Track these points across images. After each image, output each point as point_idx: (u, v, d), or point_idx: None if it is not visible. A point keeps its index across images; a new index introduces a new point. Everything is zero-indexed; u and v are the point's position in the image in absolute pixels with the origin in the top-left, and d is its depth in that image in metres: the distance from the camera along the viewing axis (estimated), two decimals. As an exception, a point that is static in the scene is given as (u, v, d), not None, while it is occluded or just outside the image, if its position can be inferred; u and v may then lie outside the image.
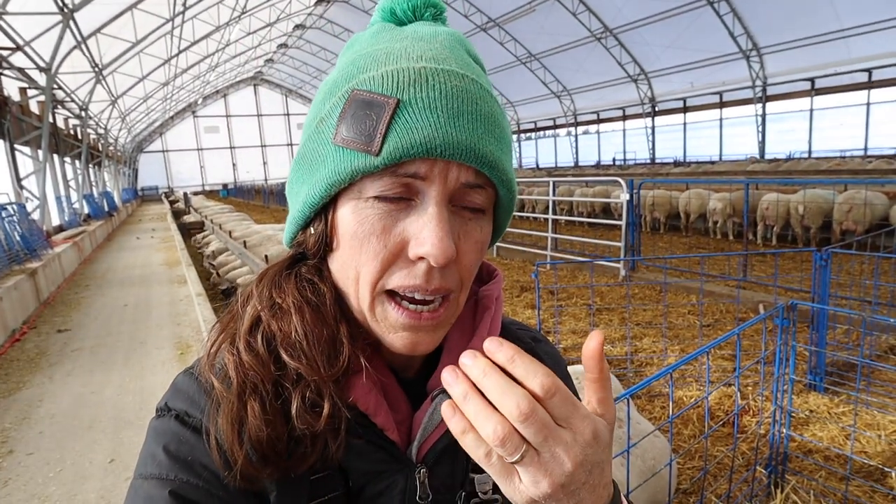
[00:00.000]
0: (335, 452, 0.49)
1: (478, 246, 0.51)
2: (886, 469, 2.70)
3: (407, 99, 0.45)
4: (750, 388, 3.79)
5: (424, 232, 0.46)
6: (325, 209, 0.52)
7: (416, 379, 0.59)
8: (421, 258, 0.47)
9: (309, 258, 0.56)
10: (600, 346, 0.43)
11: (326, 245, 0.53)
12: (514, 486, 0.41)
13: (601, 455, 0.42)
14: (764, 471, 2.70)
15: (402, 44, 0.51)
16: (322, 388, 0.49)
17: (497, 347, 0.42)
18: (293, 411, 0.48)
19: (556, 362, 0.69)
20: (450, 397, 0.53)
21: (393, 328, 0.50)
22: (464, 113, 0.46)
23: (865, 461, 2.79)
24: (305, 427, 0.48)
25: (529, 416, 0.39)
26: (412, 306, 0.50)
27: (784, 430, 2.63)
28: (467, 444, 0.41)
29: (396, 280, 0.48)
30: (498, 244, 9.23)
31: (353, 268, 0.50)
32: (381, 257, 0.48)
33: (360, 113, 0.46)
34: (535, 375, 0.40)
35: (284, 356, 0.50)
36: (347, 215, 0.49)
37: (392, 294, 0.50)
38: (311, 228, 0.54)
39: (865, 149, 20.13)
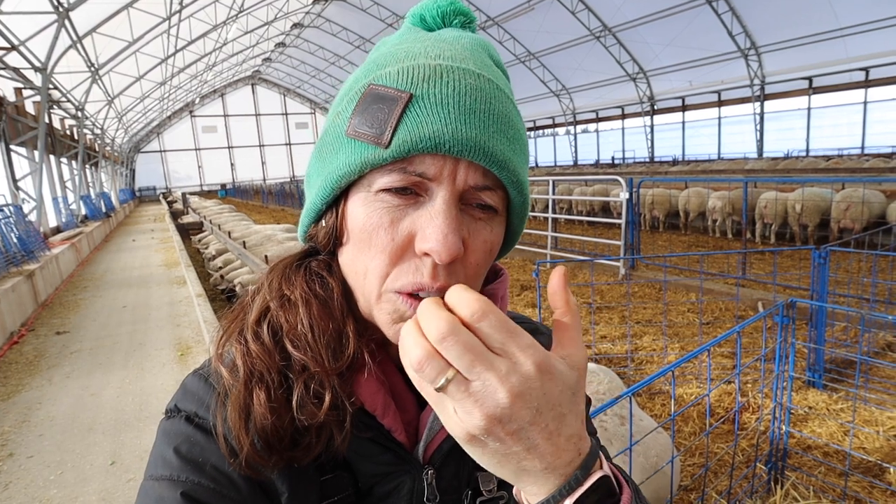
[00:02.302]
0: (340, 444, 0.50)
1: (486, 246, 0.50)
2: (885, 465, 2.72)
3: (420, 94, 0.46)
4: (750, 385, 3.80)
5: (430, 227, 0.46)
6: (336, 202, 0.52)
7: None
8: (426, 254, 0.47)
9: (320, 253, 0.56)
10: (563, 280, 0.43)
11: (336, 239, 0.53)
12: (450, 418, 0.39)
13: (554, 394, 0.38)
14: (764, 467, 2.71)
15: (424, 44, 0.51)
16: (325, 381, 0.49)
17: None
18: (294, 400, 0.48)
19: None
20: None
21: (400, 319, 0.49)
22: (476, 111, 0.46)
23: (864, 457, 2.81)
24: (306, 417, 0.48)
25: (448, 337, 0.37)
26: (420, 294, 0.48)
27: (784, 427, 2.65)
28: (407, 367, 0.39)
29: (402, 279, 0.48)
30: (497, 243, 9.27)
31: (361, 262, 0.50)
32: (388, 251, 0.48)
33: (373, 106, 0.47)
34: (465, 302, 0.39)
35: (289, 347, 0.50)
36: (357, 208, 0.49)
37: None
38: (323, 221, 0.54)
39: (862, 147, 20.19)
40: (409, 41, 0.53)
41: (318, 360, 0.49)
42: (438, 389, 0.38)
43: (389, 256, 0.48)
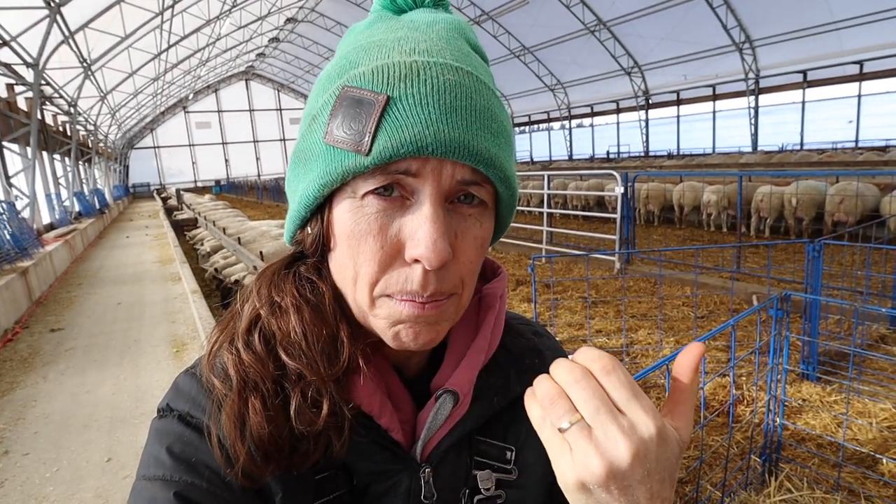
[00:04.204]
0: (339, 450, 0.49)
1: (477, 242, 0.50)
2: (878, 456, 2.74)
3: (397, 95, 0.44)
4: (744, 378, 3.82)
5: (419, 233, 0.45)
6: (320, 208, 0.51)
7: (420, 378, 0.59)
8: (417, 260, 0.46)
9: (308, 256, 0.55)
10: (698, 359, 0.44)
11: (324, 245, 0.52)
12: (566, 463, 0.39)
13: (663, 460, 0.39)
14: (758, 459, 2.73)
15: (396, 35, 0.49)
16: (322, 388, 0.48)
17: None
18: (292, 410, 0.48)
19: (557, 357, 0.69)
20: (454, 398, 0.53)
21: (396, 321, 0.49)
22: (457, 108, 0.44)
23: (857, 448, 2.83)
24: (305, 426, 0.47)
25: (580, 380, 0.40)
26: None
27: (778, 419, 2.66)
28: (529, 407, 0.43)
29: (393, 287, 0.48)
30: (493, 238, 9.37)
31: (350, 268, 0.49)
32: (378, 258, 0.47)
33: (349, 111, 0.45)
34: (595, 357, 0.41)
35: (283, 356, 0.49)
36: (343, 215, 0.48)
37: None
38: (308, 228, 0.53)
39: (856, 140, 20.29)
40: (380, 31, 0.51)
41: (313, 368, 0.48)
42: (562, 430, 0.39)
43: (379, 264, 0.47)
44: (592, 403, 0.39)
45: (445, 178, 0.46)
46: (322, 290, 0.52)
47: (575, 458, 0.39)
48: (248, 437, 0.47)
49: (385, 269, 0.47)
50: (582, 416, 0.39)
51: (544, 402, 0.41)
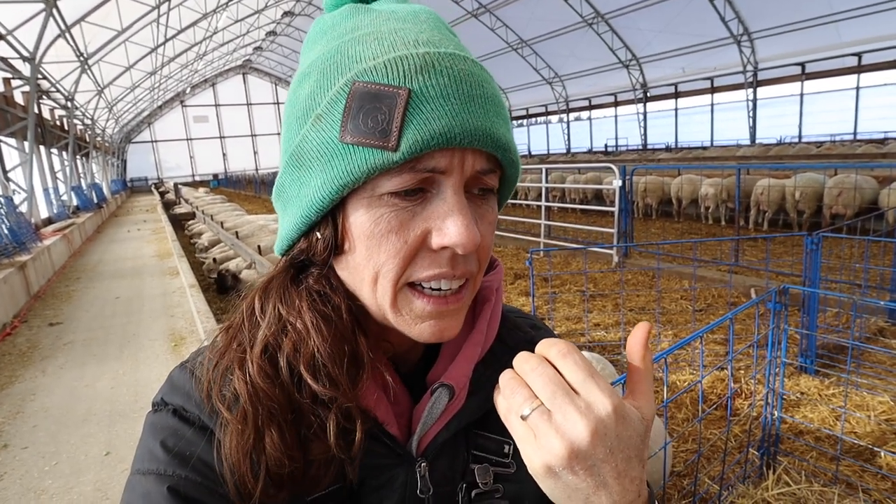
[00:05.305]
0: (352, 476, 0.49)
1: (492, 227, 0.52)
2: (875, 449, 2.75)
3: (417, 88, 0.43)
4: (742, 371, 3.83)
5: (448, 222, 0.45)
6: (332, 211, 0.49)
7: (415, 371, 0.59)
8: (445, 248, 0.46)
9: (313, 265, 0.52)
10: (645, 337, 0.45)
11: (336, 249, 0.50)
12: (532, 449, 0.40)
13: (625, 438, 0.40)
14: (756, 452, 2.74)
15: (388, 26, 0.49)
16: (353, 412, 0.48)
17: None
18: (331, 440, 0.47)
19: None
20: (450, 392, 0.53)
21: (420, 318, 0.49)
22: (475, 97, 0.45)
23: (855, 441, 2.84)
24: (343, 454, 0.47)
25: (536, 368, 0.41)
26: (437, 292, 0.49)
27: (776, 413, 2.67)
28: (496, 401, 0.44)
29: (420, 272, 0.47)
30: (491, 232, 9.41)
31: (370, 268, 0.48)
32: (402, 254, 0.46)
33: (368, 107, 0.44)
34: (551, 344, 0.43)
35: (310, 381, 0.47)
36: (361, 216, 0.47)
37: (413, 285, 0.49)
38: (318, 233, 0.50)
39: (855, 133, 20.26)
40: (366, 24, 0.50)
41: (342, 391, 0.47)
42: (524, 417, 0.41)
43: (403, 259, 0.47)
44: (549, 388, 0.40)
45: (467, 168, 0.47)
46: (337, 302, 0.50)
47: (539, 444, 0.40)
48: (262, 471, 0.46)
49: (408, 263, 0.47)
50: (541, 401, 0.40)
51: (506, 393, 0.42)
